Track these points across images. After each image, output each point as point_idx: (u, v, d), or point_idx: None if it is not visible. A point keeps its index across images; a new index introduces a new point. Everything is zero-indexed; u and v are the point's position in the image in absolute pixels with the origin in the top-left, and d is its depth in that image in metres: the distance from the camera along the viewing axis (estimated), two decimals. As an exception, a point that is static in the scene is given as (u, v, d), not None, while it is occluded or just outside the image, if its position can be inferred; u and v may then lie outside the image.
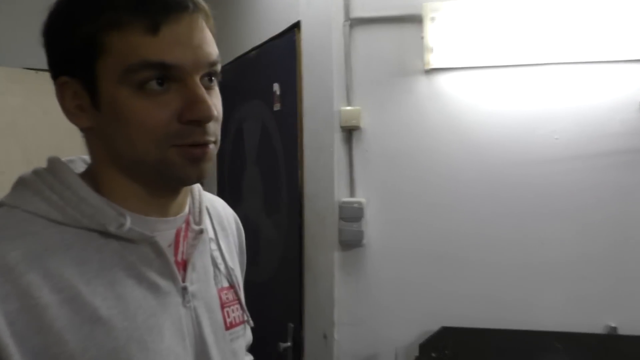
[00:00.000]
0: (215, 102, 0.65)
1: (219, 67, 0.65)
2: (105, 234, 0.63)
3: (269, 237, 2.19)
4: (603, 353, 1.56)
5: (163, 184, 0.67)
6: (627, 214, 1.61)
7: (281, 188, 2.10)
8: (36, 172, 0.65)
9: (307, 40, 1.91)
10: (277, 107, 2.13)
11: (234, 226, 0.89)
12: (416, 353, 1.66)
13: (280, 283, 2.10)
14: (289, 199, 2.05)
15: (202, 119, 0.61)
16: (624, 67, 1.59)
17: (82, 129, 0.67)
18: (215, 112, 0.62)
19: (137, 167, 0.64)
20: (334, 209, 1.79)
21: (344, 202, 1.77)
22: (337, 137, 1.80)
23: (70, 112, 0.64)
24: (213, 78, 0.65)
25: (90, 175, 0.67)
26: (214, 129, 0.65)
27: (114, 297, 0.62)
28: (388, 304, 1.75)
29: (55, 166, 0.66)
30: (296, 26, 1.94)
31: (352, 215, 1.76)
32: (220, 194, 2.63)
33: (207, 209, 0.80)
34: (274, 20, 2.08)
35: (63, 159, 0.69)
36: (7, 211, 0.62)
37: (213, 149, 0.66)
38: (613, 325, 1.59)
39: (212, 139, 0.65)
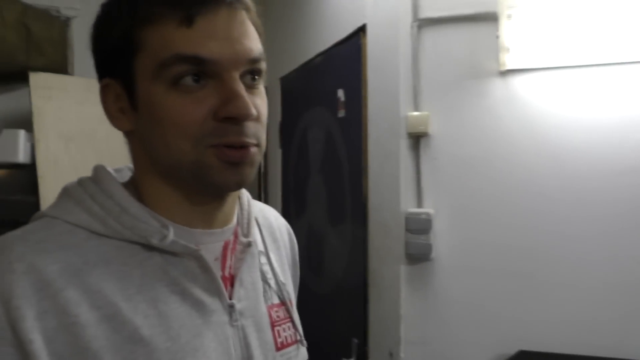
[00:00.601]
0: (257, 102, 0.60)
1: (262, 65, 0.61)
2: (147, 246, 0.59)
3: (333, 247, 2.13)
4: None
5: (203, 191, 0.63)
6: None
7: (345, 197, 2.04)
8: (80, 181, 0.63)
9: (372, 44, 1.84)
10: (341, 113, 2.07)
11: (286, 238, 0.84)
12: (490, 378, 1.53)
13: (344, 296, 2.04)
14: (353, 208, 1.98)
15: (238, 116, 0.57)
16: None
17: (124, 133, 0.64)
18: (253, 111, 0.58)
19: (175, 171, 0.60)
20: (400, 220, 1.70)
21: (411, 213, 1.68)
22: (404, 144, 1.72)
23: (113, 116, 0.62)
24: (256, 77, 0.61)
25: (133, 184, 0.64)
26: (255, 130, 0.59)
27: (156, 315, 0.58)
28: (458, 324, 1.63)
29: (98, 175, 0.63)
30: (362, 29, 1.88)
31: (419, 227, 1.66)
32: (285, 202, 2.61)
33: (257, 220, 0.75)
34: (340, 25, 2.03)
35: (110, 167, 0.67)
36: (48, 222, 0.60)
37: (255, 152, 0.60)
38: None
39: (253, 141, 0.59)
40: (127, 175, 0.68)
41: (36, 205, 2.39)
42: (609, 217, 1.51)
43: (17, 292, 0.52)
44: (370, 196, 1.86)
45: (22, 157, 2.51)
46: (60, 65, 2.77)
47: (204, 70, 0.56)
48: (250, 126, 0.59)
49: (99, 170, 0.64)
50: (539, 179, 1.57)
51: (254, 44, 0.60)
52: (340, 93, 2.08)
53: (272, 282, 0.74)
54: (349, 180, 2.01)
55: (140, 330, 0.56)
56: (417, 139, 1.70)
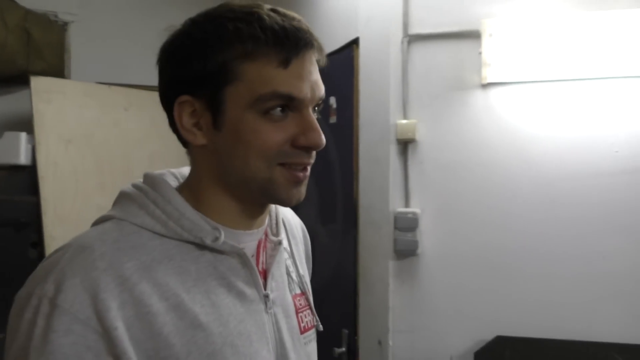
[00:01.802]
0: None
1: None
2: (200, 246, 0.68)
3: (324, 245, 2.26)
4: (665, 368, 1.54)
5: (264, 202, 0.73)
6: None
7: (337, 198, 2.17)
8: (139, 188, 0.70)
9: (364, 56, 1.98)
10: (332, 119, 2.21)
11: (301, 234, 0.93)
12: (471, 362, 1.68)
13: (334, 290, 2.16)
14: (344, 208, 2.12)
15: (314, 146, 0.67)
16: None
17: (194, 146, 0.70)
18: (324, 141, 0.67)
19: (245, 184, 0.69)
20: (389, 219, 1.84)
21: (399, 212, 1.82)
22: (393, 150, 1.86)
23: (186, 129, 0.68)
24: (317, 109, 0.70)
25: (187, 190, 0.72)
26: (314, 153, 0.70)
27: (210, 304, 0.66)
28: (442, 312, 1.78)
29: (155, 182, 0.71)
30: (355, 42, 2.02)
31: (407, 225, 1.81)
32: (276, 203, 2.72)
33: (282, 220, 0.84)
34: (333, 37, 2.17)
35: (156, 172, 0.74)
36: (117, 224, 0.67)
37: (309, 170, 0.70)
38: (675, 340, 1.57)
39: (313, 160, 0.70)
40: (172, 180, 0.75)
41: (36, 206, 2.45)
42: (576, 216, 1.67)
43: (102, 287, 0.60)
44: (360, 197, 1.99)
45: (23, 158, 2.57)
46: (58, 69, 2.84)
47: (289, 105, 0.65)
48: (315, 151, 0.69)
49: (154, 178, 0.72)
50: (514, 182, 1.73)
51: (322, 84, 0.69)
52: (332, 100, 2.21)
53: (294, 274, 0.83)
54: (340, 182, 2.15)
55: (199, 317, 0.64)
56: (405, 145, 1.85)
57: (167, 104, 0.69)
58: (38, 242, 2.48)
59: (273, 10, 0.66)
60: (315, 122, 0.67)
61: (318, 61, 0.69)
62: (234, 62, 0.64)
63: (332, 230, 2.22)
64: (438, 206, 1.81)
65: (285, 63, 0.64)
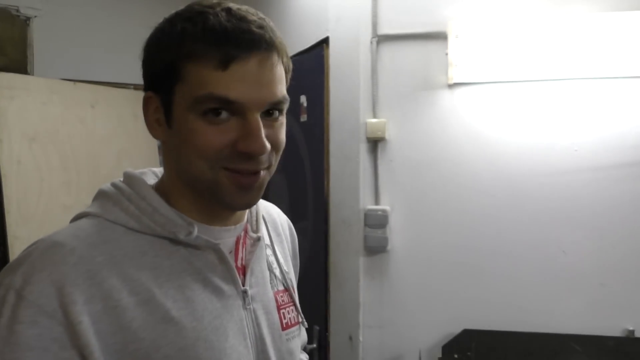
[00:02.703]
0: (275, 133, 0.68)
1: (284, 105, 0.68)
2: (174, 241, 0.69)
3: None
4: (621, 355, 1.61)
5: (214, 204, 0.71)
6: (645, 223, 1.67)
7: (307, 196, 2.19)
8: (116, 186, 0.72)
9: (334, 56, 2.00)
10: (303, 118, 2.22)
11: (287, 232, 0.95)
12: (439, 354, 1.73)
13: (305, 287, 2.16)
14: (315, 206, 2.13)
15: (253, 154, 0.65)
16: (641, 82, 1.66)
17: (162, 145, 0.73)
18: (267, 148, 0.65)
19: (194, 184, 0.70)
20: (360, 216, 1.87)
21: (369, 210, 1.85)
22: (363, 148, 1.89)
23: (151, 124, 0.70)
24: (277, 112, 0.68)
25: (161, 188, 0.74)
26: (267, 157, 0.67)
27: (184, 299, 0.67)
28: (412, 307, 1.82)
29: (132, 180, 0.72)
30: (325, 42, 2.04)
31: (377, 222, 1.84)
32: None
33: (263, 217, 0.85)
34: (304, 36, 2.18)
35: (137, 170, 0.75)
36: (91, 220, 0.68)
37: (264, 175, 0.69)
38: (631, 328, 1.65)
39: (264, 166, 0.68)
40: (151, 178, 0.77)
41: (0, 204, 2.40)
42: (537, 213, 1.73)
43: (70, 280, 0.60)
44: (331, 195, 2.02)
45: (-16, 156, 2.50)
46: (20, 65, 2.77)
47: (229, 108, 0.64)
48: (263, 156, 0.66)
49: (132, 176, 0.73)
50: (480, 179, 1.78)
51: (279, 88, 0.66)
52: (303, 99, 2.22)
53: (277, 271, 0.84)
54: (311, 180, 2.17)
55: (170, 312, 0.65)
56: (375, 143, 1.88)
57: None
58: (1, 242, 2.42)
59: (228, 10, 0.65)
60: (258, 127, 0.64)
61: (275, 63, 0.66)
62: (178, 62, 0.64)
63: (303, 228, 2.24)
64: (407, 203, 1.85)
65: (224, 65, 0.62)
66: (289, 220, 0.97)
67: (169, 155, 0.72)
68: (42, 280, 0.60)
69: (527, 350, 1.67)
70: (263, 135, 0.65)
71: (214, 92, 0.63)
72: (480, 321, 1.72)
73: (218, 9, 0.65)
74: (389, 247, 1.84)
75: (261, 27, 0.65)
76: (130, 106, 2.87)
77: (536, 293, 1.72)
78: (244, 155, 0.65)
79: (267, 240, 0.85)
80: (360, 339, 1.86)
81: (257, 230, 0.81)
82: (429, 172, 1.83)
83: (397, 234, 1.84)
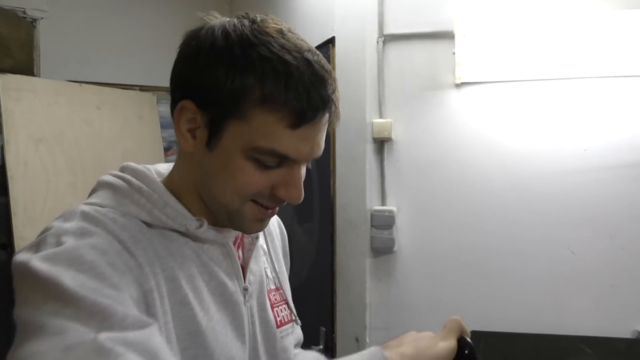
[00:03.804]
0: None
1: None
2: (183, 234, 0.69)
3: (301, 243, 2.27)
4: (631, 357, 1.59)
5: (227, 224, 0.73)
6: (655, 224, 1.65)
7: (314, 197, 2.18)
8: (121, 177, 0.71)
9: (340, 55, 1.99)
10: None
11: (278, 231, 0.95)
12: (446, 357, 1.71)
13: (312, 288, 2.17)
14: (322, 207, 2.13)
15: (290, 201, 0.68)
16: (650, 81, 1.64)
17: (182, 149, 0.71)
18: (302, 198, 0.68)
19: (215, 205, 0.70)
20: (366, 217, 1.86)
21: (376, 211, 1.84)
22: (369, 148, 1.88)
23: (181, 133, 0.67)
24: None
25: (170, 186, 0.72)
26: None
27: (194, 289, 0.68)
28: (419, 309, 1.81)
29: (138, 172, 0.71)
30: (331, 42, 2.03)
31: (383, 223, 1.83)
32: (252, 202, 2.72)
33: None
34: (309, 36, 2.15)
35: (139, 165, 0.74)
36: (100, 209, 0.65)
37: (277, 210, 0.72)
38: (641, 331, 1.63)
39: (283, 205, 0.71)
40: (153, 176, 0.76)
41: (6, 206, 2.40)
42: (546, 214, 1.72)
43: (122, 237, 0.62)
44: (337, 195, 2.01)
45: (-9, 158, 2.51)
46: (27, 67, 2.78)
47: (282, 161, 0.65)
48: None
49: (136, 168, 0.72)
50: (488, 180, 1.77)
51: (323, 144, 0.68)
52: (309, 100, 2.22)
53: (269, 271, 0.85)
54: (317, 181, 2.16)
55: (187, 296, 0.66)
56: (381, 144, 1.86)
57: (174, 93, 0.68)
58: (8, 244, 2.42)
59: (308, 63, 0.62)
60: (301, 179, 0.68)
61: (331, 122, 0.67)
62: (247, 102, 0.62)
63: (309, 229, 2.23)
64: (414, 204, 1.83)
65: (296, 125, 0.62)
66: (279, 219, 0.98)
67: (195, 167, 0.70)
68: (97, 233, 0.61)
69: (536, 352, 1.65)
70: (302, 184, 0.68)
71: (277, 149, 0.63)
72: (489, 322, 1.70)
73: (299, 57, 0.62)
74: (395, 248, 1.83)
75: (333, 89, 0.65)
76: (135, 107, 2.88)
77: (545, 294, 1.70)
78: (278, 198, 0.68)
79: (261, 240, 0.85)
80: (367, 340, 1.85)
81: None
82: (435, 173, 1.82)
83: (403, 235, 1.83)
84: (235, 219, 0.70)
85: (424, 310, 1.80)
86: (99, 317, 0.51)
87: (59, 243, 0.58)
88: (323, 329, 2.03)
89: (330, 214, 2.03)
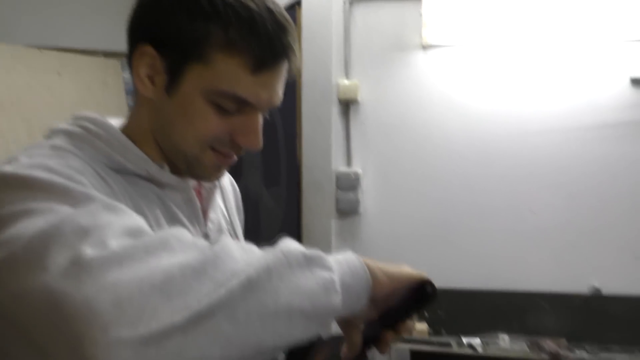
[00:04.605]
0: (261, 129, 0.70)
1: None
2: (145, 179, 0.68)
3: (269, 209, 2.26)
4: (587, 312, 1.64)
5: (183, 170, 0.72)
6: (612, 184, 1.69)
7: (280, 160, 2.17)
8: (78, 125, 0.67)
9: (307, 16, 1.97)
10: (277, 83, 2.19)
11: (230, 187, 0.94)
12: (410, 314, 1.73)
13: (278, 253, 2.16)
14: (288, 170, 2.12)
15: (249, 148, 0.68)
16: (615, 45, 1.67)
17: (141, 94, 0.69)
18: (261, 145, 0.68)
19: (173, 152, 0.69)
20: (332, 178, 1.86)
21: (341, 172, 1.84)
22: (335, 110, 1.87)
23: (140, 78, 0.66)
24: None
25: (127, 134, 0.70)
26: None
27: (159, 230, 0.67)
28: (383, 269, 1.82)
29: (95, 120, 0.68)
30: (297, 3, 2.00)
31: (349, 184, 1.83)
32: (220, 171, 2.69)
33: None
34: (275, -2, 2.14)
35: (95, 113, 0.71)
36: (57, 149, 0.61)
37: (236, 159, 0.71)
38: (597, 286, 1.67)
39: (242, 154, 0.71)
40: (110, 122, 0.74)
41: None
42: (509, 174, 1.74)
43: (86, 172, 0.59)
44: (303, 158, 2.00)
45: (-55, 124, 2.41)
46: (-18, 31, 2.67)
47: (242, 106, 0.65)
48: None
49: (92, 117, 0.69)
50: (453, 141, 1.78)
51: (282, 93, 0.68)
52: (276, 64, 2.19)
53: (225, 222, 0.84)
54: (283, 144, 2.14)
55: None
56: (347, 105, 1.86)
57: (132, 37, 0.67)
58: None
59: (270, 12, 0.64)
60: (260, 126, 0.67)
61: (289, 72, 0.68)
62: (210, 47, 0.62)
63: (276, 193, 2.22)
64: (379, 165, 1.84)
65: (257, 70, 0.63)
66: (231, 177, 0.98)
67: (153, 114, 0.69)
68: (70, 157, 0.59)
69: (496, 308, 1.68)
70: (261, 132, 0.68)
71: (239, 93, 0.64)
72: (452, 280, 1.73)
73: (261, 5, 0.63)
74: (361, 210, 1.83)
75: (293, 37, 0.66)
76: (99, 74, 2.79)
77: (506, 252, 1.74)
78: (237, 146, 0.67)
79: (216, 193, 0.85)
80: (332, 301, 1.86)
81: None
82: (401, 135, 1.82)
83: (369, 196, 1.84)
84: (194, 166, 0.69)
85: (389, 270, 1.81)
86: (75, 200, 0.51)
87: (31, 156, 0.57)
88: (289, 292, 2.03)
89: (297, 176, 2.02)
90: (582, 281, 1.69)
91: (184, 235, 0.50)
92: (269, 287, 0.47)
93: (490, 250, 1.74)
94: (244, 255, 0.49)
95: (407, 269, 0.67)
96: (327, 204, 1.88)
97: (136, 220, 0.52)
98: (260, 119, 0.68)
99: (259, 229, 2.26)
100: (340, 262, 0.57)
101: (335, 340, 0.70)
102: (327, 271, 0.53)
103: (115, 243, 0.46)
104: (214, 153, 0.68)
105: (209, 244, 0.50)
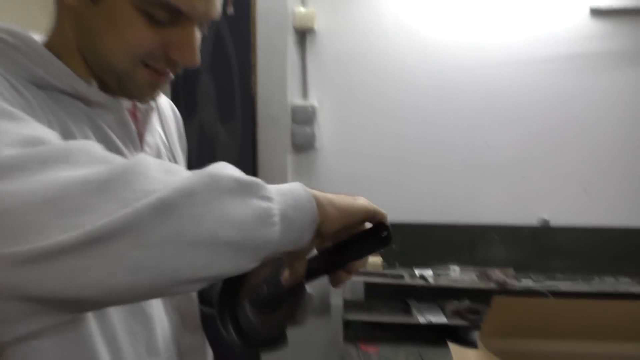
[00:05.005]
0: (198, 45, 0.65)
1: None
2: (72, 96, 0.62)
3: (224, 144, 2.20)
4: (535, 243, 1.69)
5: (115, 89, 0.66)
6: (567, 118, 1.70)
7: (235, 94, 2.09)
8: None
9: (260, -63, 1.84)
10: (230, 10, 2.07)
11: (170, 113, 0.88)
12: (364, 248, 1.75)
13: (235, 189, 2.13)
14: (243, 104, 2.04)
15: (185, 64, 0.62)
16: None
17: (61, 4, 0.63)
18: (198, 61, 0.62)
19: (101, 68, 0.63)
20: (287, 112, 1.80)
21: (297, 106, 1.79)
22: (291, 40, 1.79)
23: None
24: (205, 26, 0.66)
25: (50, 48, 0.63)
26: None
27: None
28: (339, 203, 1.81)
29: (13, 31, 0.61)
30: None
31: (305, 118, 1.78)
32: (176, 104, 2.59)
33: None
34: None
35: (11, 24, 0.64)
36: None
37: (171, 77, 0.66)
38: (546, 218, 1.71)
39: (178, 72, 0.65)
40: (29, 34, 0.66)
41: None
42: (466, 107, 1.72)
43: (9, 78, 0.54)
44: (258, 91, 1.93)
45: None
46: None
47: (175, 16, 0.59)
48: None
49: (8, 26, 0.62)
50: (411, 73, 1.74)
51: (219, 5, 0.63)
52: (229, -10, 2.06)
53: (164, 147, 0.79)
54: (238, 77, 2.05)
55: None
56: (303, 35, 1.77)
57: None
58: None
59: None
60: (196, 40, 0.62)
61: None
62: None
63: (231, 128, 2.15)
64: (336, 98, 1.79)
65: None
66: (171, 102, 0.92)
67: (74, 24, 0.62)
68: None
69: (449, 241, 1.71)
70: (198, 47, 0.62)
71: (170, 1, 0.57)
72: (406, 214, 1.74)
73: None
74: (317, 144, 1.80)
75: None
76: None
77: (460, 185, 1.75)
78: (172, 62, 0.62)
79: (153, 118, 0.78)
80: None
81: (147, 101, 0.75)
82: (359, 66, 1.76)
83: (325, 130, 1.80)
84: (126, 83, 0.63)
85: (344, 204, 1.81)
86: None
87: None
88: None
89: (252, 110, 1.96)
90: (533, 213, 1.72)
91: (93, 148, 0.44)
92: (187, 212, 0.42)
93: (446, 184, 1.75)
94: (163, 176, 0.43)
95: (362, 201, 0.63)
96: (282, 138, 1.83)
97: (39, 130, 0.46)
98: (197, 33, 0.62)
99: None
100: (284, 192, 0.51)
101: (279, 262, 0.66)
102: (265, 201, 0.47)
103: (7, 152, 0.40)
104: (147, 70, 0.62)
105: (123, 159, 0.43)
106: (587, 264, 1.67)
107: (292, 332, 0.63)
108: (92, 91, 0.62)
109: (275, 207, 0.47)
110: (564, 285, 1.59)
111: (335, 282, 0.61)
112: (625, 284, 1.60)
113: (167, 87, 2.66)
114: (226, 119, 2.20)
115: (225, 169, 0.47)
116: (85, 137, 0.61)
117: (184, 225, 0.41)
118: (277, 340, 0.61)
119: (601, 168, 1.70)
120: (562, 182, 1.71)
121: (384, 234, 0.63)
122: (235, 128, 2.13)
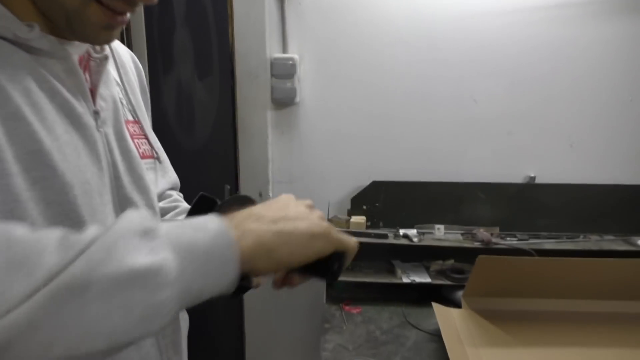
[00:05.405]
0: None
1: None
2: (11, 42, 0.56)
3: (203, 102, 2.11)
4: (520, 200, 1.66)
5: (66, 33, 0.61)
6: (554, 69, 1.64)
7: (212, 48, 1.99)
8: None
9: None
10: (205, -43, 1.95)
11: (132, 64, 0.86)
12: (348, 207, 1.71)
13: (215, 147, 2.07)
14: (220, 59, 1.95)
15: (145, 2, 0.59)
16: None
17: None
18: None
19: (49, 4, 0.57)
20: (266, 66, 1.72)
21: (276, 59, 1.70)
22: (269, -12, 1.69)
23: None
24: None
25: None
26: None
27: (31, 103, 0.57)
28: (322, 161, 1.77)
29: None
30: None
31: (284, 72, 1.70)
32: (151, 61, 2.48)
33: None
34: None
35: None
36: None
37: (130, 16, 0.62)
38: (532, 175, 1.68)
39: (137, 9, 0.61)
40: None
41: None
42: (452, 60, 1.65)
43: None
44: (236, 44, 1.83)
45: None
46: None
47: None
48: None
49: None
50: (395, 25, 1.65)
51: None
52: None
53: (124, 100, 0.76)
54: (215, 30, 1.95)
55: (21, 109, 0.55)
56: (282, -17, 1.67)
57: None
58: None
59: None
60: None
61: None
62: None
63: (209, 84, 2.06)
64: (317, 51, 1.71)
65: None
66: (132, 53, 0.87)
67: None
68: None
69: (433, 200, 1.68)
70: None
71: None
72: (390, 172, 1.70)
73: None
74: (297, 99, 1.72)
75: None
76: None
77: (446, 143, 1.70)
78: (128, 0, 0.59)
79: (111, 69, 0.76)
80: (270, 194, 1.81)
81: (102, 50, 0.71)
82: (340, 17, 1.68)
83: (306, 85, 1.72)
84: (77, 24, 0.58)
85: (327, 162, 1.76)
86: None
87: None
88: (227, 186, 1.95)
89: (230, 64, 1.87)
90: (519, 171, 1.69)
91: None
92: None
93: (431, 141, 1.70)
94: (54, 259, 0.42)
95: (319, 242, 0.57)
96: (262, 93, 1.76)
97: None
98: None
99: (193, 123, 2.14)
100: (195, 257, 0.47)
101: (245, 200, 0.69)
102: (159, 290, 0.44)
103: None
104: (100, 8, 0.57)
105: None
106: (573, 221, 1.65)
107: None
108: (34, 36, 0.56)
109: (171, 294, 0.45)
110: (548, 244, 1.57)
111: (275, 284, 0.66)
112: (609, 242, 1.58)
113: (143, 43, 2.55)
114: (204, 74, 2.11)
115: (125, 248, 0.43)
116: (26, 90, 0.56)
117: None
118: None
119: (588, 123, 1.66)
120: (548, 137, 1.67)
121: (335, 266, 0.59)
122: (213, 83, 2.05)
